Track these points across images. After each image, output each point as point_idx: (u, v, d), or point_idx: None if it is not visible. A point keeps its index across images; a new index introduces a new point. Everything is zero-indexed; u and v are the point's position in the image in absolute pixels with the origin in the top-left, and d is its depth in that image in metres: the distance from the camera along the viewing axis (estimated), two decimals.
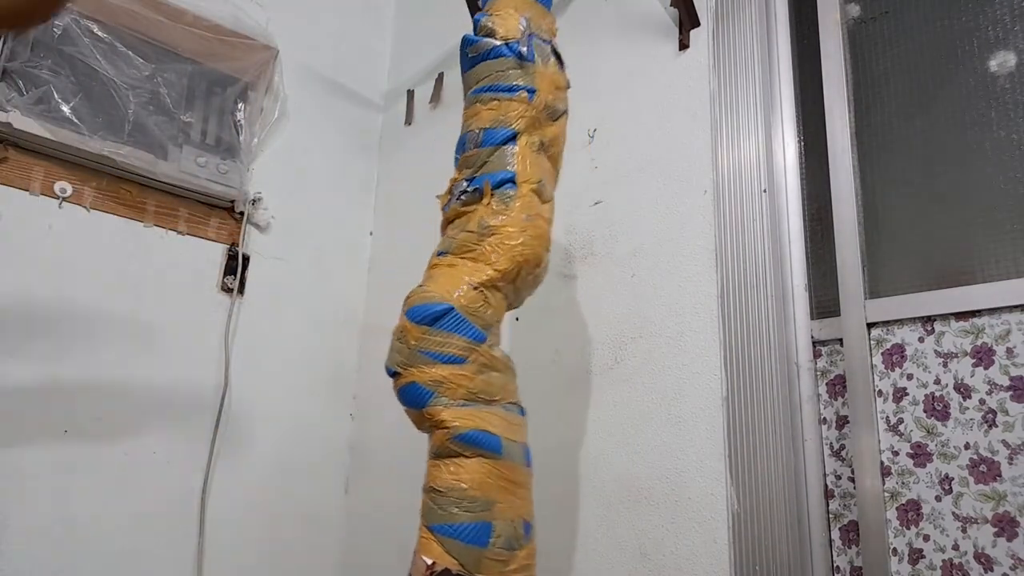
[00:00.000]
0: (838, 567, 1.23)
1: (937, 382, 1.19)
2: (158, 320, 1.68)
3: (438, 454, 0.94)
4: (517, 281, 1.01)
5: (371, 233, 2.16)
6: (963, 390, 1.16)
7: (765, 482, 1.21)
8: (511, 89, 1.04)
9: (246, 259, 1.85)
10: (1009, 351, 1.13)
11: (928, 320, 1.21)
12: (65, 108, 1.55)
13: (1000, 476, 1.10)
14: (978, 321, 1.16)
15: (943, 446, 1.16)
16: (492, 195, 1.01)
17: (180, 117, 1.74)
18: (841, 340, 1.28)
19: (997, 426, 1.12)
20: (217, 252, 1.81)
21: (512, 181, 1.01)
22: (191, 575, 1.65)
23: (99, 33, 1.62)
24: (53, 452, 1.50)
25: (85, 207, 1.61)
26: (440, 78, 2.06)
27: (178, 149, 1.71)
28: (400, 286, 2.16)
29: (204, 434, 1.72)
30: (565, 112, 1.12)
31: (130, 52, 1.67)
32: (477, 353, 0.95)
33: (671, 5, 1.45)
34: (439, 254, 1.04)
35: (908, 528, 1.16)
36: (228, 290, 1.80)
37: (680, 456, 1.26)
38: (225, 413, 1.75)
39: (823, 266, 1.35)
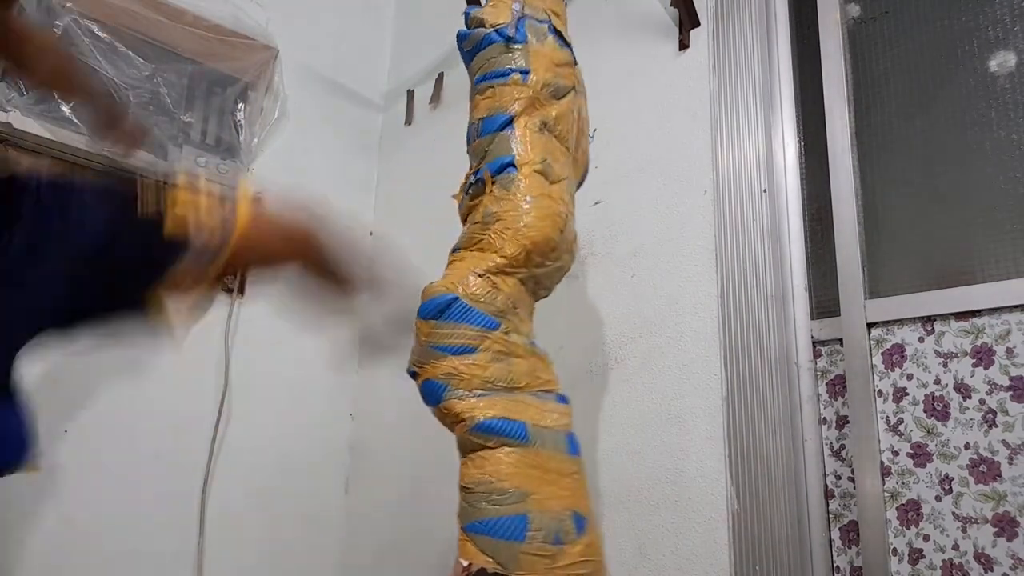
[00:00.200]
0: (838, 567, 1.23)
1: (937, 382, 1.19)
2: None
3: (464, 450, 0.90)
4: (531, 266, 0.98)
5: (371, 233, 2.16)
6: (963, 390, 1.16)
7: (765, 482, 1.21)
8: (503, 74, 1.02)
9: None
10: (1009, 351, 1.13)
11: (928, 320, 1.21)
12: (65, 108, 1.55)
13: (1000, 476, 1.10)
14: (978, 321, 1.16)
15: (943, 446, 1.16)
16: (493, 182, 0.99)
17: (180, 117, 1.74)
18: (841, 340, 1.28)
19: (997, 426, 1.12)
20: None
21: (512, 165, 0.98)
22: (191, 575, 1.65)
23: (99, 33, 1.62)
24: (53, 452, 1.50)
25: None
26: (440, 78, 2.06)
27: (178, 149, 1.71)
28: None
29: (204, 434, 1.72)
30: (572, 89, 1.08)
31: (130, 52, 1.67)
32: (490, 341, 0.92)
33: (671, 5, 1.45)
34: (453, 251, 1.03)
35: (908, 528, 1.16)
36: (228, 290, 1.80)
37: (680, 456, 1.26)
38: (225, 413, 1.75)
39: (823, 266, 1.35)
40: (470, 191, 1.03)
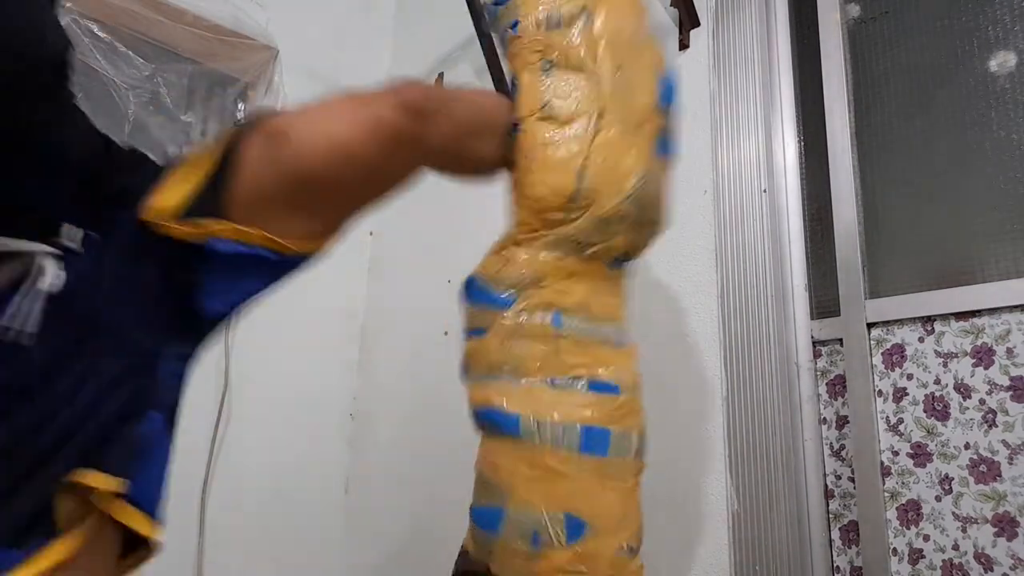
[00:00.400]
0: (838, 567, 1.23)
1: (937, 382, 1.19)
2: None
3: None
4: (551, 226, 0.85)
5: (371, 233, 2.16)
6: (963, 390, 1.16)
7: (765, 482, 1.21)
8: (503, 38, 0.94)
9: None
10: (1009, 351, 1.13)
11: (928, 320, 1.21)
12: None
13: (1000, 476, 1.10)
14: (978, 321, 1.16)
15: (943, 446, 1.16)
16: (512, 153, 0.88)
17: (180, 117, 1.74)
18: (841, 340, 1.28)
19: (997, 426, 1.12)
20: None
21: (516, 126, 0.87)
22: (191, 575, 1.65)
23: (99, 33, 1.62)
24: None
25: None
26: (440, 78, 2.06)
27: (178, 150, 1.71)
28: (401, 286, 2.15)
29: (204, 434, 1.72)
30: (577, 15, 0.92)
31: (130, 52, 1.67)
32: (500, 321, 0.84)
33: (671, 5, 1.45)
34: None
35: (908, 528, 1.16)
36: None
37: (680, 456, 1.26)
38: (225, 413, 1.75)
39: (823, 266, 1.35)
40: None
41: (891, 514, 1.19)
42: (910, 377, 1.21)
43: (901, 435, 1.20)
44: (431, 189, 2.17)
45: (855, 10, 1.43)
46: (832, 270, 1.31)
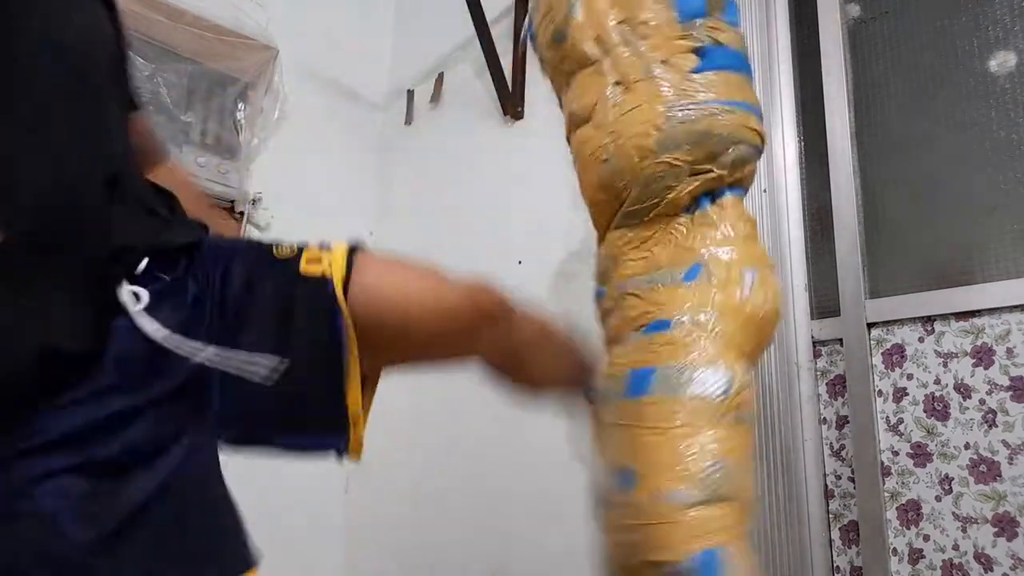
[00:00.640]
0: (838, 567, 1.23)
1: (937, 382, 1.19)
2: None
3: None
4: (618, 213, 0.90)
5: (371, 233, 2.16)
6: (963, 390, 1.16)
7: (765, 482, 1.21)
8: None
9: None
10: (1009, 351, 1.13)
11: (928, 320, 1.21)
12: None
13: (1000, 476, 1.10)
14: (978, 321, 1.16)
15: (943, 446, 1.16)
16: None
17: (180, 117, 1.74)
18: (841, 340, 1.28)
19: (997, 426, 1.12)
20: None
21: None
22: None
23: None
24: None
25: None
26: (440, 78, 2.06)
27: (178, 149, 1.71)
28: None
29: None
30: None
31: (130, 52, 1.67)
32: (599, 309, 0.98)
33: None
34: None
35: (908, 528, 1.16)
36: None
37: None
38: None
39: (823, 266, 1.35)
40: None
41: (891, 514, 1.19)
42: (910, 377, 1.21)
43: (901, 435, 1.20)
44: (431, 189, 2.18)
45: (855, 10, 1.43)
46: (832, 270, 1.30)
